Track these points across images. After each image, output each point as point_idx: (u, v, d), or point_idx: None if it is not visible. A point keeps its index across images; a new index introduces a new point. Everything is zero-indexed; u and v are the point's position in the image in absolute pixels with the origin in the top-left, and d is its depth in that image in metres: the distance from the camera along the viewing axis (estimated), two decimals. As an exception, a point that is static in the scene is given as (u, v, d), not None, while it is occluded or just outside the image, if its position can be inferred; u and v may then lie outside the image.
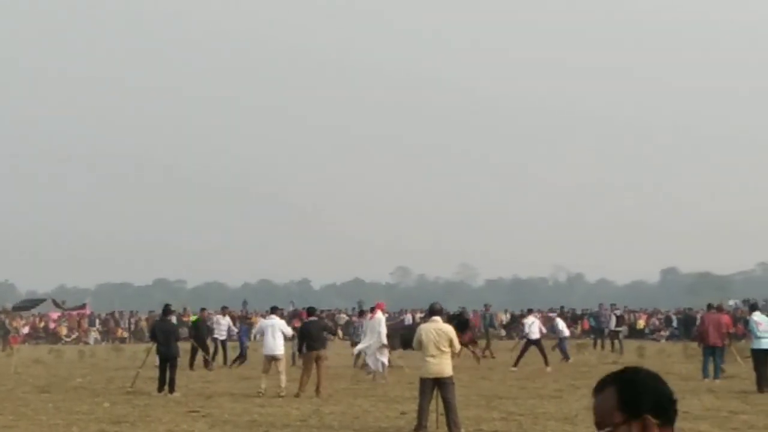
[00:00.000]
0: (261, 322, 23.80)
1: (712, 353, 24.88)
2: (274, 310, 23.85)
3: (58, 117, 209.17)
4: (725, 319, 27.01)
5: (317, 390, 21.21)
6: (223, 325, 33.33)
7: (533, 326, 31.00)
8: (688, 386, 23.36)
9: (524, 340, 31.46)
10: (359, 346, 26.28)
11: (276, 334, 22.16)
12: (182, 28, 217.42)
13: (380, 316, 26.17)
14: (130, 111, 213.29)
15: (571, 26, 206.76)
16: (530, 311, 36.30)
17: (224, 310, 35.27)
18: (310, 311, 23.62)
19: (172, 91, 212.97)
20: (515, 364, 29.93)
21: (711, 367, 24.83)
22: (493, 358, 35.17)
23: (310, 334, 22.01)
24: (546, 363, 29.76)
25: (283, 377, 21.78)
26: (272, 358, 22.06)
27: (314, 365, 21.64)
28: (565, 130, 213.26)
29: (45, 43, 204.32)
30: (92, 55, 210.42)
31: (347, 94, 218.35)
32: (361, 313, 28.37)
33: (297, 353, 25.09)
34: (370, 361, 25.62)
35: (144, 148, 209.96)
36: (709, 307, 27.78)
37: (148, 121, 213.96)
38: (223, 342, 32.80)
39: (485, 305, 47.04)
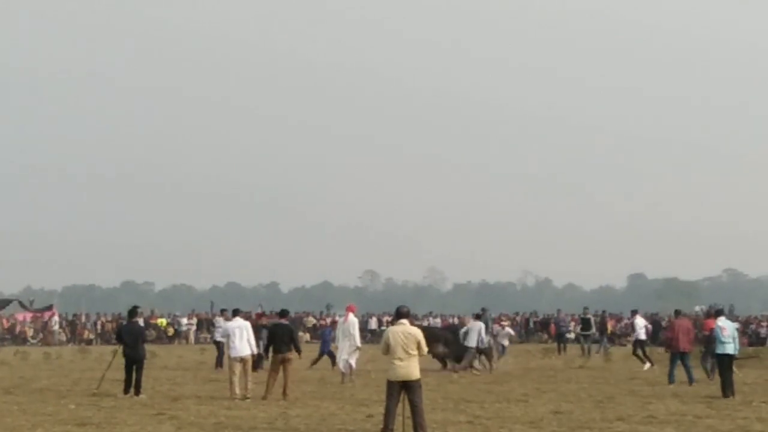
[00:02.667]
0: (227, 325, 23.66)
1: (681, 358, 25.01)
2: (236, 313, 23.65)
3: (28, 117, 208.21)
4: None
5: (284, 393, 21.17)
6: (221, 327, 33.32)
7: (641, 328, 33.07)
8: (653, 391, 23.52)
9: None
10: (340, 353, 25.91)
11: (243, 336, 22.08)
12: (191, 31, 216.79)
13: (353, 318, 26.13)
14: (104, 113, 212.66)
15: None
16: (635, 312, 37.14)
17: (224, 313, 35.30)
18: (282, 313, 23.54)
19: (144, 90, 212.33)
20: (644, 363, 31.53)
21: (678, 373, 24.98)
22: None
23: (278, 336, 21.94)
24: (649, 361, 31.65)
25: (250, 379, 21.73)
26: (240, 360, 21.97)
27: (281, 368, 21.60)
28: (535, 136, 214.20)
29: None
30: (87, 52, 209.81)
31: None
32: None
33: (263, 355, 24.95)
34: (341, 364, 25.56)
35: (115, 149, 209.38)
36: (677, 313, 27.97)
37: (121, 123, 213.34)
38: (221, 344, 32.53)
39: (482, 308, 46.64)
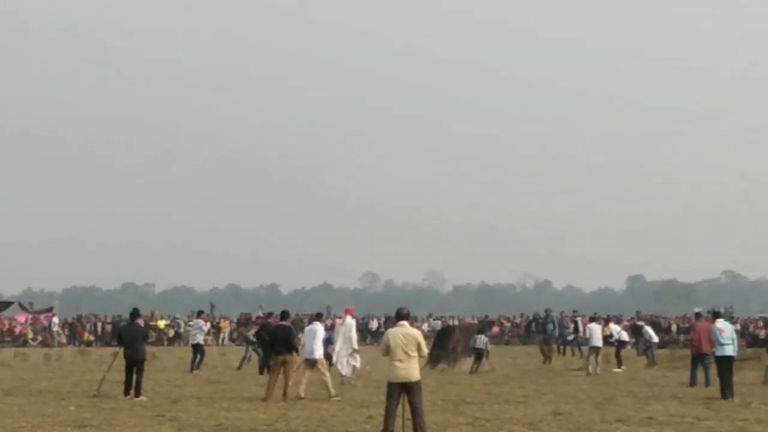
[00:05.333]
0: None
1: (702, 361, 25.08)
2: (318, 317, 24.28)
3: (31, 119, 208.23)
4: None
5: (284, 394, 21.21)
6: (203, 330, 33.50)
7: (622, 332, 35.03)
8: (652, 392, 23.57)
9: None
10: (339, 356, 26.14)
11: (315, 340, 22.65)
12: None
13: (351, 321, 26.24)
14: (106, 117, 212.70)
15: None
16: (608, 320, 38.60)
17: (201, 315, 35.61)
18: (283, 315, 23.59)
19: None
20: (619, 366, 32.96)
21: (700, 375, 25.16)
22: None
23: (278, 338, 21.98)
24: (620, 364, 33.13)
25: (326, 379, 22.34)
26: (311, 362, 22.43)
27: (281, 370, 21.66)
28: (536, 140, 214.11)
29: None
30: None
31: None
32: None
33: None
34: (340, 366, 25.63)
35: (113, 151, 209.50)
36: (698, 315, 28.24)
37: (119, 123, 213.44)
38: (201, 346, 32.60)
39: (546, 310, 46.84)
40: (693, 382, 25.15)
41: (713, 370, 23.32)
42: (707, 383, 24.82)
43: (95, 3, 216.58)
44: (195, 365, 31.41)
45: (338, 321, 27.91)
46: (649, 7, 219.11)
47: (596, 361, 30.85)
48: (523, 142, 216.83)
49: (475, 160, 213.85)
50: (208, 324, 34.29)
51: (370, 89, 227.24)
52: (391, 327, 15.77)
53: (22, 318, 59.09)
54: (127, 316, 26.49)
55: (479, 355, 31.89)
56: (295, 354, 22.18)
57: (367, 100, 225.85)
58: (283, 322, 23.00)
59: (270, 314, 36.53)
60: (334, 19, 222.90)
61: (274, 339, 22.16)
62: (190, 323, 59.38)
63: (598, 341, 31.55)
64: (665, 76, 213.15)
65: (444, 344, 33.33)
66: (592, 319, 36.45)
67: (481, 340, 32.30)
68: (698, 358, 25.20)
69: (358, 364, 25.71)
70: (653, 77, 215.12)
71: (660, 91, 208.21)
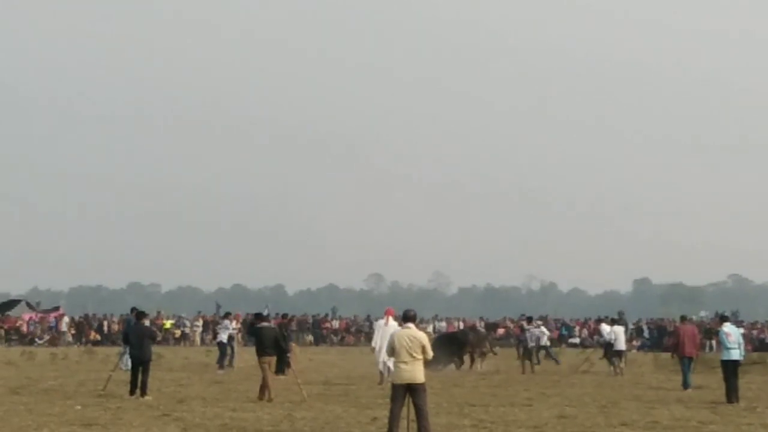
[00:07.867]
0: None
1: (684, 363, 25.30)
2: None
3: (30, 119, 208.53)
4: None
5: (268, 395, 21.24)
6: (228, 329, 33.67)
7: (608, 334, 34.12)
8: (657, 396, 23.57)
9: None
10: (379, 356, 26.12)
11: None
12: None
13: (393, 322, 26.27)
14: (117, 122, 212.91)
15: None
16: (600, 321, 38.56)
17: (228, 316, 35.74)
18: (258, 316, 23.62)
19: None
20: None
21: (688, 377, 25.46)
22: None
23: (265, 340, 22.00)
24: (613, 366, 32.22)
25: None
26: None
27: (267, 371, 21.71)
28: (539, 140, 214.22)
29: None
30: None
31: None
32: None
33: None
34: (380, 365, 25.71)
35: (118, 152, 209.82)
36: (683, 319, 28.33)
37: (128, 127, 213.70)
38: (225, 345, 32.82)
39: (619, 312, 46.80)
40: (686, 385, 25.37)
41: (719, 375, 23.33)
42: (686, 385, 25.20)
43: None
44: (220, 363, 31.77)
45: (380, 322, 27.85)
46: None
47: (618, 363, 31.37)
48: (523, 145, 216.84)
49: (476, 163, 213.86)
50: (234, 323, 34.42)
51: (367, 91, 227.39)
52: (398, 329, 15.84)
53: (28, 317, 59.18)
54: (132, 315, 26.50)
55: (530, 353, 32.49)
56: (285, 354, 22.32)
57: (367, 98, 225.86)
58: (266, 323, 23.05)
59: (285, 315, 36.81)
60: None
61: (260, 340, 22.15)
62: (196, 323, 59.76)
63: (622, 345, 32.02)
64: (664, 78, 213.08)
65: (456, 350, 33.11)
66: (615, 321, 36.02)
67: (534, 334, 33.19)
68: (684, 360, 25.53)
69: (392, 365, 25.75)
70: (652, 79, 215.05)
71: (660, 92, 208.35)
